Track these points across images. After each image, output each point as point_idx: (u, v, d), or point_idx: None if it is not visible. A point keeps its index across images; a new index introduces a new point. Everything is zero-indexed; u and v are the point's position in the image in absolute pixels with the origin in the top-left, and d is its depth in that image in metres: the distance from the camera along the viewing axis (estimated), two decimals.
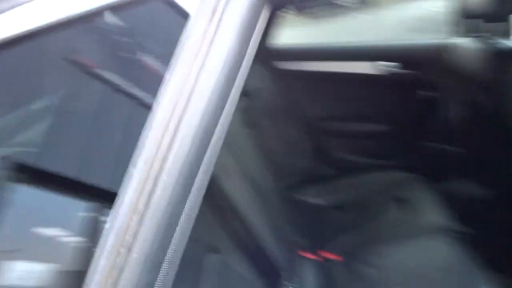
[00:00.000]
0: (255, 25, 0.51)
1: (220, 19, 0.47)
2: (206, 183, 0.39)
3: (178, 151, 0.37)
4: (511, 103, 1.20)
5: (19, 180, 0.67)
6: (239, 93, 0.47)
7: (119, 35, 0.74)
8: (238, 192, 1.08)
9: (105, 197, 0.45)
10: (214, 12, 0.48)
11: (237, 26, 0.47)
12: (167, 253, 0.34)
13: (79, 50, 0.77)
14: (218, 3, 0.48)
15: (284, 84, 1.95)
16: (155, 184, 0.35)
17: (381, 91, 1.75)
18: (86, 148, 0.70)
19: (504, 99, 1.22)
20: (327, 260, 1.36)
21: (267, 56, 1.93)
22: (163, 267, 0.33)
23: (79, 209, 0.66)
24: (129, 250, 0.33)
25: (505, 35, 1.28)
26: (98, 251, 0.36)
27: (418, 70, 1.59)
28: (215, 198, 0.98)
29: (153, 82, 0.51)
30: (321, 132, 1.93)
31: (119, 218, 0.35)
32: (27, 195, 0.69)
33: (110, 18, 0.68)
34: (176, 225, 0.35)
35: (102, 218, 0.55)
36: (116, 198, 0.38)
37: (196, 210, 0.39)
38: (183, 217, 0.36)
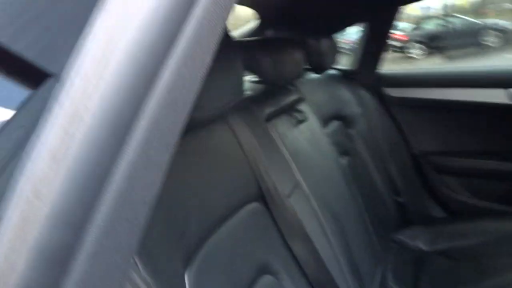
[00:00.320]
0: None
1: None
2: (153, 139, 0.31)
3: (108, 86, 0.29)
4: None
5: None
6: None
7: None
8: (313, 216, 1.00)
9: None
10: None
11: None
12: (92, 211, 0.29)
13: None
14: None
15: (395, 111, 1.80)
16: (77, 126, 0.29)
17: None
18: None
19: None
20: None
21: (377, 81, 1.81)
22: (86, 227, 0.29)
23: None
24: (41, 200, 0.29)
25: None
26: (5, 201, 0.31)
27: None
28: (281, 215, 0.92)
29: None
30: (433, 166, 1.69)
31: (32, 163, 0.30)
32: None
33: None
34: (106, 179, 0.30)
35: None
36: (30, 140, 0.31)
37: (151, 173, 0.32)
38: (118, 172, 0.30)
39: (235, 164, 0.87)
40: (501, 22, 9.15)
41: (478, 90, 1.55)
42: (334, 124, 1.45)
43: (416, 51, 11.52)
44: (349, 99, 1.61)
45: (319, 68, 1.47)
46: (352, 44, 1.90)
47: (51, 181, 0.30)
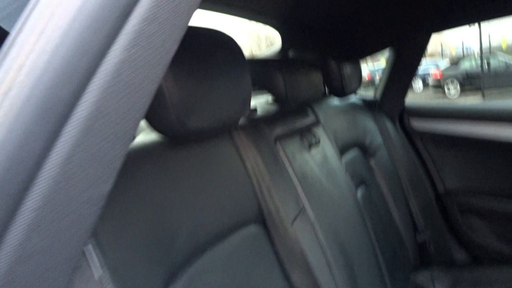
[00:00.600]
0: None
1: None
2: (96, 128, 0.27)
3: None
4: None
5: None
6: None
7: None
8: (317, 245, 0.93)
9: None
10: None
11: None
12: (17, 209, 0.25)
13: None
14: None
15: (419, 145, 1.72)
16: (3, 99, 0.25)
17: None
18: None
19: None
20: None
21: (401, 111, 1.75)
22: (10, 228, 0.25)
23: None
24: None
25: None
26: None
27: None
28: (282, 241, 0.86)
29: None
30: (457, 205, 1.58)
31: None
32: None
33: None
34: (36, 171, 0.25)
35: None
36: None
37: (96, 168, 0.28)
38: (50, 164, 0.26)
39: (236, 182, 0.82)
40: None
41: (510, 127, 1.45)
42: (352, 152, 1.39)
43: (451, 89, 11.31)
44: (371, 128, 1.55)
45: (340, 92, 1.43)
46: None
47: None
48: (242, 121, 0.94)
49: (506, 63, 10.38)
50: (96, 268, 0.43)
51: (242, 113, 0.79)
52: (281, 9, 1.26)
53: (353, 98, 1.66)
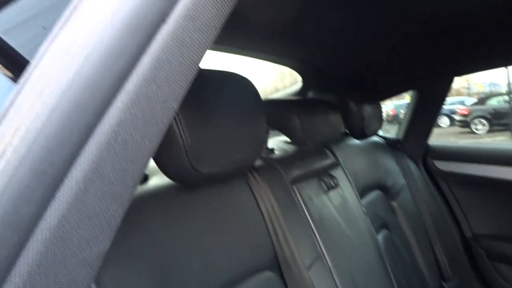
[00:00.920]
0: None
1: None
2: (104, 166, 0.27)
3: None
4: None
5: None
6: None
7: None
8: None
9: None
10: None
11: None
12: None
13: None
14: None
15: (444, 187, 1.66)
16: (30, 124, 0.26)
17: None
18: None
19: None
20: None
21: (425, 152, 1.71)
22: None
23: None
24: None
25: None
26: None
27: None
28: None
29: None
30: (485, 252, 1.50)
31: None
32: None
33: None
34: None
35: None
36: None
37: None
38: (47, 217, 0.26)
39: (251, 226, 0.81)
40: None
41: None
42: (374, 194, 1.36)
43: (479, 127, 11.03)
44: (393, 169, 1.52)
45: (359, 134, 1.41)
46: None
47: None
48: (258, 162, 0.94)
49: None
50: None
51: (257, 155, 0.79)
52: (301, 53, 1.28)
53: (375, 137, 1.64)
